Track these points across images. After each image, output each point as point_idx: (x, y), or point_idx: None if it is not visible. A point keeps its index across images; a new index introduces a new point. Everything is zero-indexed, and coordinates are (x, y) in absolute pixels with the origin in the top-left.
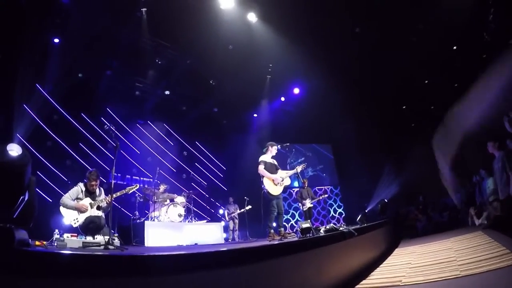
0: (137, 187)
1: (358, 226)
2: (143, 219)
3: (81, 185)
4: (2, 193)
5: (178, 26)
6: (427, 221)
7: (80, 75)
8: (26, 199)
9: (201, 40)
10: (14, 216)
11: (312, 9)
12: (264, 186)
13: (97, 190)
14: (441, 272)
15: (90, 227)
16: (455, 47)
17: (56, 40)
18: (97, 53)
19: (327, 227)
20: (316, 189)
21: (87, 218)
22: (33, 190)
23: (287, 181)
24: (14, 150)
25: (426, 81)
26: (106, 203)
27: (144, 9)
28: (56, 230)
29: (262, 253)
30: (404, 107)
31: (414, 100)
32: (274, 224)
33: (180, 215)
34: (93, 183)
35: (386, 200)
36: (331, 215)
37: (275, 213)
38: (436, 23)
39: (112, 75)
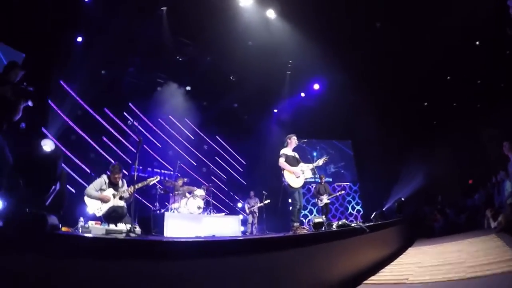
0: (158, 179)
1: (371, 223)
2: (163, 210)
3: (104, 177)
4: (37, 183)
5: (198, 23)
6: (445, 221)
7: (103, 72)
8: (57, 189)
9: (221, 37)
10: (47, 204)
11: (331, 4)
12: (284, 179)
13: (120, 182)
14: (448, 273)
15: (112, 216)
16: (477, 43)
17: (80, 39)
18: (119, 51)
19: (340, 222)
20: (335, 186)
21: (110, 208)
22: (64, 181)
23: (308, 174)
24: (47, 145)
25: (448, 78)
26: (129, 194)
27: (164, 8)
28: (81, 218)
29: (272, 244)
30: (425, 103)
31: (435, 96)
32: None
33: (199, 208)
34: (116, 175)
35: (403, 199)
36: (349, 211)
37: (298, 207)
38: (458, 17)
39: (134, 72)
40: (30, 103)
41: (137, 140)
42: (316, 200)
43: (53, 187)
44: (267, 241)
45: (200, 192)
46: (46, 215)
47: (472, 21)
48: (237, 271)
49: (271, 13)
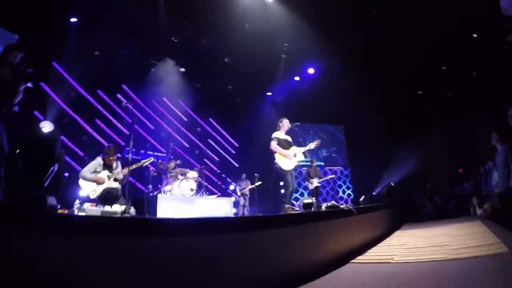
0: (152, 160)
1: (360, 206)
2: (156, 192)
3: (99, 159)
4: (36, 164)
5: (194, 4)
6: (433, 208)
7: (96, 53)
8: (55, 170)
9: (218, 19)
10: (46, 185)
11: None
12: (276, 162)
13: (114, 164)
14: (432, 254)
15: (107, 197)
16: (475, 35)
17: (74, 20)
18: (113, 32)
19: (329, 204)
20: (327, 170)
21: (104, 189)
22: (62, 162)
23: (300, 157)
24: (46, 126)
25: (444, 68)
26: (123, 175)
27: None
28: (77, 200)
29: (260, 222)
30: (419, 92)
31: (430, 86)
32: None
33: (192, 190)
34: (111, 158)
35: (392, 184)
36: (339, 195)
37: (290, 189)
38: (457, 8)
39: (128, 53)
40: (30, 85)
41: (131, 121)
42: (307, 183)
43: (52, 168)
44: (256, 219)
45: (192, 174)
46: (45, 196)
47: (472, 13)
48: (229, 247)
49: None
